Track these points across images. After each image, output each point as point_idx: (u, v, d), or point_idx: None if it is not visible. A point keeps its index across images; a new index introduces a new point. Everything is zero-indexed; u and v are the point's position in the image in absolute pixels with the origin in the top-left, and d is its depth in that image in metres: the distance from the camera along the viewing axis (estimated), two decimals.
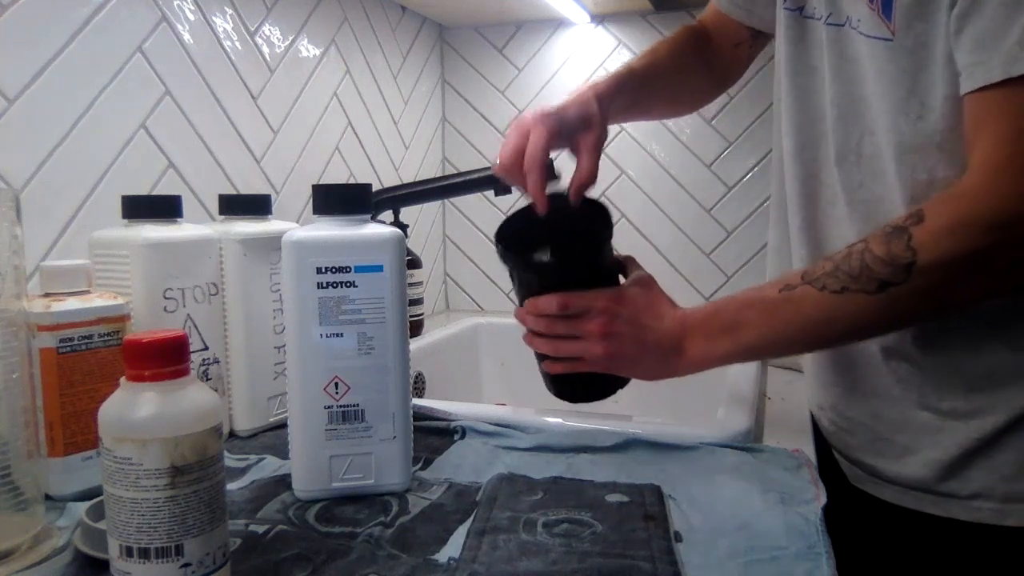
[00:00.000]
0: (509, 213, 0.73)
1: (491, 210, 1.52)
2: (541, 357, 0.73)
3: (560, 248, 0.73)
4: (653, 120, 1.28)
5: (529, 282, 0.71)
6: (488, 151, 1.53)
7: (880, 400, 0.68)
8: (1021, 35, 0.50)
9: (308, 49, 1.13)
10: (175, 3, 0.90)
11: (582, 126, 0.70)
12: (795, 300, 0.60)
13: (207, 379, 0.70)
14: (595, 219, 0.71)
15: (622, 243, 1.52)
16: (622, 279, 0.74)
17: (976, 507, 0.63)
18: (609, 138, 1.56)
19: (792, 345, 0.68)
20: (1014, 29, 0.51)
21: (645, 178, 1.45)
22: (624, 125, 1.43)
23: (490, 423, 0.73)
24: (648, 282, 0.71)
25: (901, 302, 0.56)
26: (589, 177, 0.69)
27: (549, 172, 0.69)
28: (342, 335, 0.57)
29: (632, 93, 0.79)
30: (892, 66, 0.60)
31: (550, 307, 0.68)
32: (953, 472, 0.63)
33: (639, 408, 0.85)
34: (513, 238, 0.70)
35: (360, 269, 0.56)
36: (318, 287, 0.56)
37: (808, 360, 0.78)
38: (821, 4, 0.67)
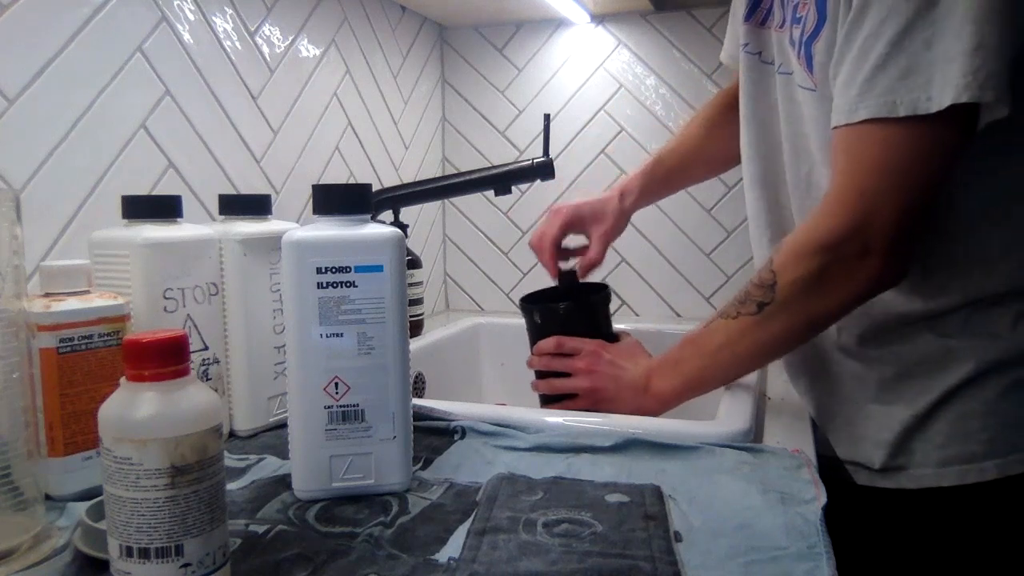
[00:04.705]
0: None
1: (491, 210, 1.52)
2: (545, 399, 0.88)
3: (566, 300, 0.90)
4: None
5: (538, 329, 0.86)
6: (488, 151, 1.53)
7: (853, 405, 0.77)
8: (860, 89, 0.62)
9: (308, 49, 1.14)
10: (175, 3, 0.90)
11: (594, 219, 0.88)
12: (710, 331, 0.73)
13: (207, 379, 0.70)
14: (598, 292, 0.89)
15: (622, 242, 1.51)
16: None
17: (918, 475, 0.71)
18: (609, 139, 1.56)
19: (718, 370, 0.76)
20: (855, 83, 0.63)
21: None
22: (623, 124, 1.43)
23: (490, 423, 0.73)
24: (633, 341, 0.87)
25: (775, 319, 0.68)
26: (595, 261, 0.86)
27: (564, 253, 0.89)
28: (342, 335, 0.57)
29: (661, 184, 0.97)
30: (819, 112, 0.69)
31: (549, 345, 0.84)
32: (900, 449, 0.72)
33: None
34: (532, 299, 0.91)
35: (360, 269, 0.56)
36: (318, 287, 0.56)
37: (791, 376, 0.87)
38: (774, 53, 0.79)
